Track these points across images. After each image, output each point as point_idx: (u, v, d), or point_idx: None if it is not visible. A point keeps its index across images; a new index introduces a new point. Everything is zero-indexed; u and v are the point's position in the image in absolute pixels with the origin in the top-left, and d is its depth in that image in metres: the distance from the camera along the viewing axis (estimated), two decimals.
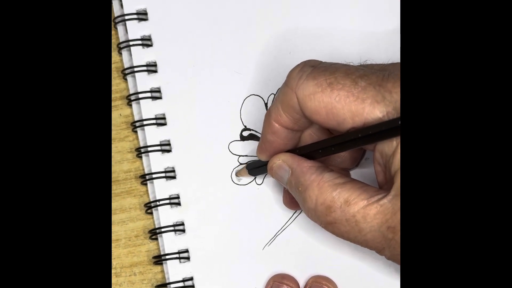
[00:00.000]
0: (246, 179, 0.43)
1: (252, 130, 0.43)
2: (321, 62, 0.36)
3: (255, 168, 0.41)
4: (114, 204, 0.44)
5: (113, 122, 0.45)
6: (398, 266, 0.34)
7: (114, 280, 0.44)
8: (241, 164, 0.43)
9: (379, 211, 0.33)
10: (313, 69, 0.35)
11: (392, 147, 0.33)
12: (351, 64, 0.35)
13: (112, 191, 0.44)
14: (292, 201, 0.40)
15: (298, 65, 0.36)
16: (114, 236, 0.44)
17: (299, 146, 0.38)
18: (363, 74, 0.34)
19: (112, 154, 0.44)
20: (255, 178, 0.43)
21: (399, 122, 0.31)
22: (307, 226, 0.42)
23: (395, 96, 0.32)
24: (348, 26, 0.43)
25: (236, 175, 0.43)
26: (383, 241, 0.33)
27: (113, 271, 0.44)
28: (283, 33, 0.43)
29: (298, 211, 0.42)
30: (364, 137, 0.33)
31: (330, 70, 0.34)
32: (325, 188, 0.34)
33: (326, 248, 0.42)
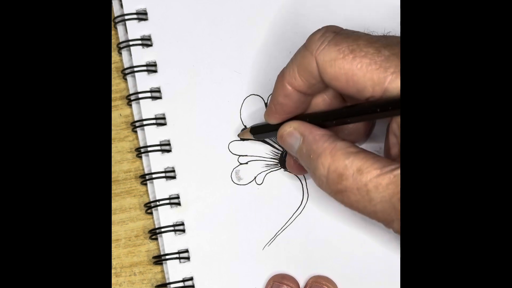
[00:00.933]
0: (246, 178, 0.43)
1: None
2: (342, 28, 0.35)
3: (260, 133, 0.41)
4: (114, 204, 0.44)
5: (113, 122, 0.45)
6: (398, 268, 0.34)
7: (114, 280, 0.44)
8: (241, 164, 0.43)
9: (392, 182, 0.32)
10: (335, 35, 0.34)
11: None
12: (375, 33, 0.35)
13: (112, 191, 0.44)
14: (296, 165, 0.40)
15: (319, 29, 0.35)
16: (114, 236, 0.44)
17: (310, 110, 0.38)
18: (387, 44, 0.33)
19: (112, 154, 0.44)
20: (255, 179, 0.43)
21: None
22: (307, 226, 0.42)
23: None
24: (348, 26, 0.43)
25: (239, 136, 0.43)
26: (393, 212, 0.33)
27: (113, 271, 0.44)
28: (283, 33, 0.43)
29: (298, 211, 0.42)
30: (383, 111, 0.32)
31: (353, 37, 0.34)
32: (338, 156, 0.34)
33: (326, 248, 0.42)
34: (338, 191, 0.34)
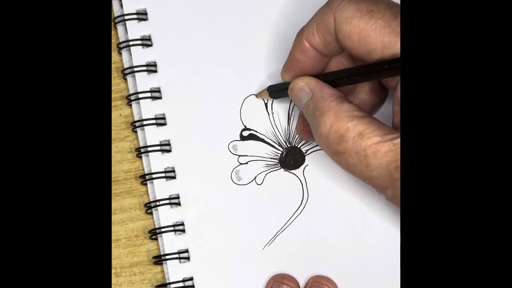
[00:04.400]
0: (246, 178, 0.43)
1: (252, 130, 0.43)
2: None
3: (276, 91, 0.41)
4: (114, 204, 0.44)
5: (113, 122, 0.45)
6: (398, 268, 0.34)
7: (114, 280, 0.44)
8: (241, 164, 0.43)
9: (391, 150, 0.33)
10: None
11: None
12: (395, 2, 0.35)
13: (112, 191, 0.44)
14: (305, 130, 0.40)
15: None
16: (114, 236, 0.44)
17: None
18: None
19: (112, 154, 0.44)
20: (255, 179, 0.43)
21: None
22: (307, 226, 0.42)
23: None
24: None
25: (257, 96, 0.43)
26: (388, 180, 0.33)
27: (113, 271, 0.44)
28: (283, 33, 0.43)
29: (298, 211, 0.42)
30: (390, 68, 0.33)
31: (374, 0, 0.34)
32: (341, 117, 0.34)
33: (326, 248, 0.42)
34: (336, 152, 0.35)
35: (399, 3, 0.35)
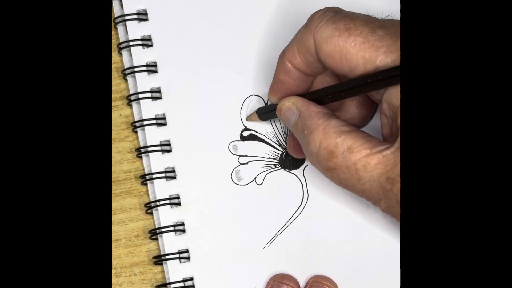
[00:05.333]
0: (246, 178, 0.43)
1: (252, 130, 0.43)
2: (343, 9, 0.36)
3: (265, 113, 0.41)
4: (114, 204, 0.44)
5: (113, 122, 0.45)
6: (398, 268, 0.34)
7: (114, 280, 0.44)
8: (241, 164, 0.43)
9: (381, 162, 0.33)
10: (334, 14, 0.35)
11: (399, 99, 0.33)
12: (373, 16, 0.35)
13: (112, 191, 0.44)
14: (296, 148, 0.40)
15: (320, 9, 0.36)
16: (114, 236, 0.44)
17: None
18: (382, 24, 0.34)
19: (112, 154, 0.44)
20: (255, 179, 0.43)
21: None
22: (307, 226, 0.42)
23: None
24: None
25: (247, 119, 0.43)
26: (381, 191, 0.34)
27: (113, 271, 0.44)
28: (283, 33, 0.43)
29: (298, 211, 0.42)
30: (373, 82, 0.33)
31: (351, 17, 0.35)
32: (330, 133, 0.35)
33: (326, 248, 0.42)
34: (328, 168, 0.35)
35: (376, 16, 0.35)
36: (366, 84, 0.34)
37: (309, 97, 0.38)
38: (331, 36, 0.34)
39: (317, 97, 0.37)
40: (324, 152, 0.35)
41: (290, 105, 0.37)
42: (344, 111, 0.40)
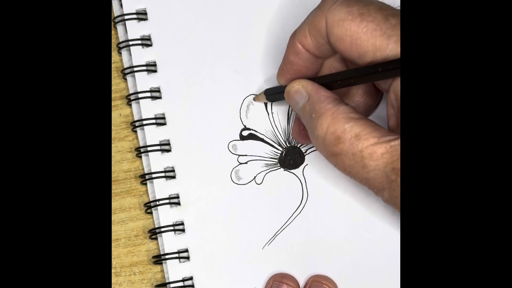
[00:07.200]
0: (246, 178, 0.43)
1: (252, 129, 0.43)
2: None
3: (273, 94, 0.41)
4: (114, 204, 0.44)
5: (113, 122, 0.45)
6: (398, 268, 0.34)
7: (114, 279, 0.44)
8: (240, 163, 0.43)
9: (388, 151, 0.33)
10: None
11: None
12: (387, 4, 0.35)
13: (112, 191, 0.44)
14: (301, 133, 0.40)
15: None
16: (114, 236, 0.44)
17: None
18: (396, 13, 0.34)
19: (112, 153, 0.44)
20: (254, 178, 0.43)
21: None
22: (307, 226, 0.42)
23: None
24: None
25: (254, 99, 0.43)
26: (385, 181, 0.34)
27: (113, 270, 0.44)
28: (283, 33, 0.43)
29: (298, 211, 0.42)
30: (384, 71, 0.33)
31: (365, 2, 0.34)
32: (338, 118, 0.35)
33: (326, 247, 0.42)
34: (333, 154, 0.35)
35: (390, 4, 0.35)
36: (376, 73, 0.34)
37: (318, 81, 0.37)
38: (344, 20, 0.34)
39: (326, 82, 0.37)
40: (331, 137, 0.35)
41: (300, 88, 0.37)
42: (349, 99, 0.39)
